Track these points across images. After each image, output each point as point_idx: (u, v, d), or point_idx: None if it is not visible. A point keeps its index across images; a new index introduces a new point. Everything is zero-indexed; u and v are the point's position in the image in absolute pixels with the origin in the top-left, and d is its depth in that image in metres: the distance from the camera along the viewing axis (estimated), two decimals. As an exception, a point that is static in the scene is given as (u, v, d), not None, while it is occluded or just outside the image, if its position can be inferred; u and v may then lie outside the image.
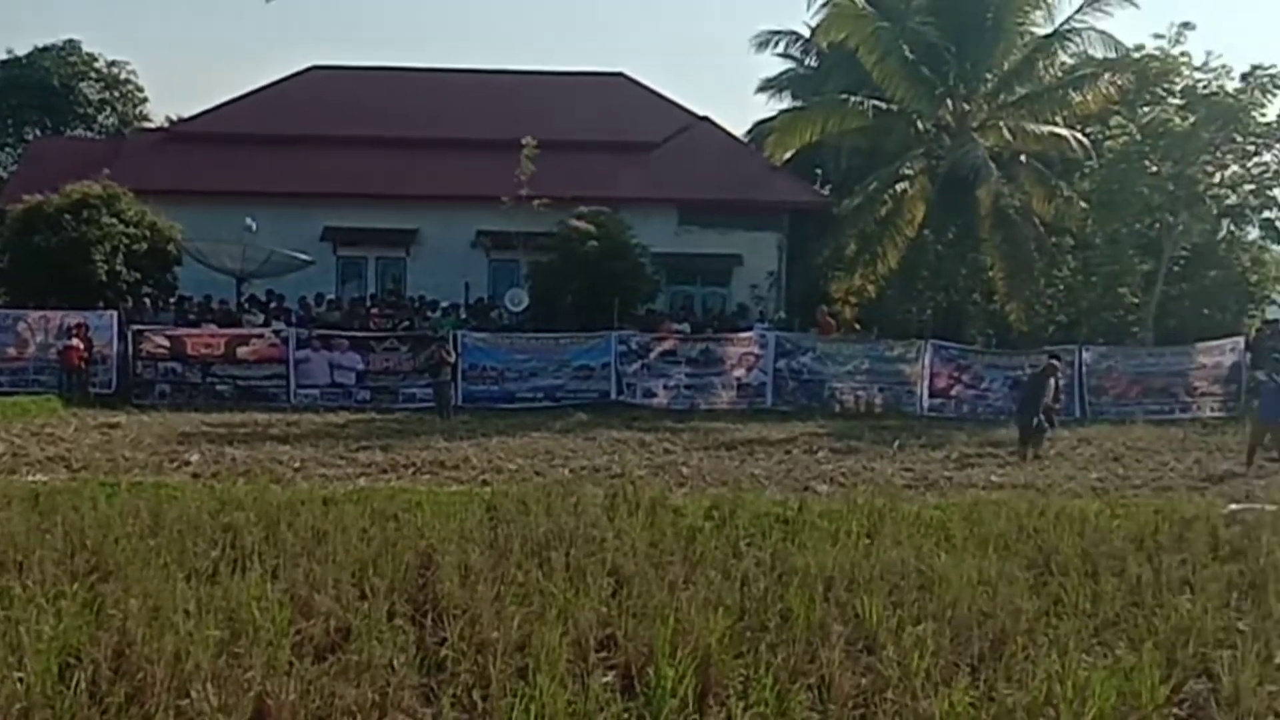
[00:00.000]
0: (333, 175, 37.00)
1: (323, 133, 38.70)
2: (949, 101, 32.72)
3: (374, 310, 32.65)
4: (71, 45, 55.78)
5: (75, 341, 27.09)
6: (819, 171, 40.17)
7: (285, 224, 34.90)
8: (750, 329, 31.11)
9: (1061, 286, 33.70)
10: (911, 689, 7.82)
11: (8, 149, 54.10)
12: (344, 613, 8.93)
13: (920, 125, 32.86)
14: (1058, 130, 31.42)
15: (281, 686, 7.25)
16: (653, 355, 29.05)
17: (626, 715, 7.41)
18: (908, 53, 31.67)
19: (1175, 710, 8.09)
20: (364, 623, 8.59)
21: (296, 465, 18.39)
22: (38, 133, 52.18)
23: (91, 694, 7.27)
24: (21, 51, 54.88)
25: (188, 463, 18.43)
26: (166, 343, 27.97)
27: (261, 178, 36.71)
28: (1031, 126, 31.68)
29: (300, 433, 22.73)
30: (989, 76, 32.75)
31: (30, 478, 16.16)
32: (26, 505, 12.63)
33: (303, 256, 33.30)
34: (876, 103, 31.92)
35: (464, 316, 32.19)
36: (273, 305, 32.32)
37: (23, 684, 7.22)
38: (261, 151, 37.92)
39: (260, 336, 28.70)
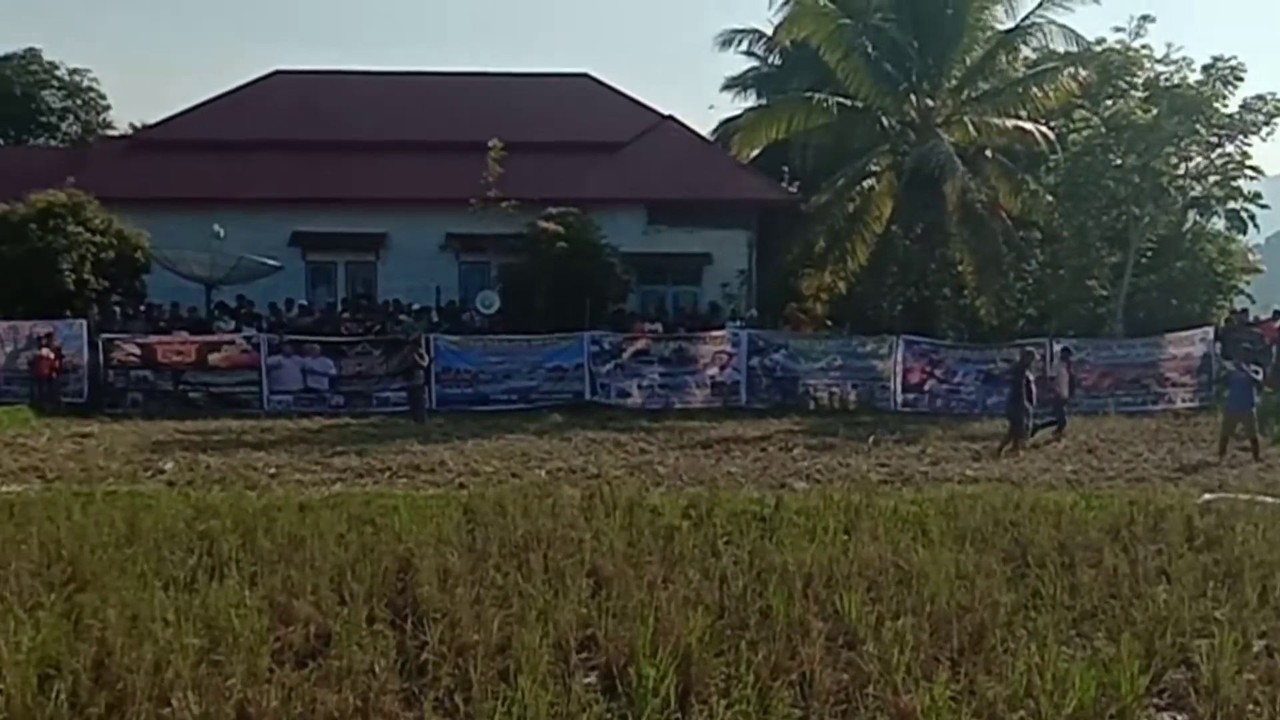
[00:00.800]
0: (300, 180, 36.85)
1: (289, 137, 38.53)
2: (913, 97, 32.76)
3: (345, 315, 32.54)
4: (32, 54, 55.40)
5: (45, 351, 26.94)
6: (786, 169, 40.22)
7: (253, 230, 34.71)
8: (723, 327, 31.10)
9: (1031, 280, 33.88)
10: (892, 684, 7.86)
11: (-32, 158, 53.72)
12: (323, 618, 8.91)
13: (885, 122, 32.90)
14: (1022, 124, 31.52)
15: (263, 694, 7.25)
16: (626, 355, 29.05)
17: (609, 716, 7.42)
18: (870, 49, 31.73)
19: (1155, 700, 8.16)
20: (344, 628, 8.58)
21: (272, 471, 18.35)
22: (0, 142, 51.84)
23: (72, 704, 7.25)
24: (-19, 60, 54.56)
25: (162, 471, 18.37)
26: (137, 351, 27.85)
27: (228, 184, 36.50)
28: (996, 121, 31.79)
29: (275, 439, 22.68)
30: (952, 72, 32.76)
31: (4, 489, 16.06)
32: (1, 516, 12.56)
33: (272, 262, 33.16)
34: (841, 100, 31.94)
35: (435, 319, 32.12)
36: (243, 311, 32.17)
37: (2, 695, 7.19)
38: (228, 157, 37.70)
39: (231, 343, 28.60)
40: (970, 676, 8.15)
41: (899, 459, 20.33)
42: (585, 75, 43.77)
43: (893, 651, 8.29)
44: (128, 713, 7.10)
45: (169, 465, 18.89)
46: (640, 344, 29.38)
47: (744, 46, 45.33)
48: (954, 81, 32.90)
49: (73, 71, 56.36)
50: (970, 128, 31.81)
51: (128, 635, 8.18)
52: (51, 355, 27.02)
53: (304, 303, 34.09)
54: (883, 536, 11.97)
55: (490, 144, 31.46)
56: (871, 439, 22.68)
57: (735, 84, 46.34)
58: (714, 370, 29.31)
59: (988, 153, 33.44)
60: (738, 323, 32.19)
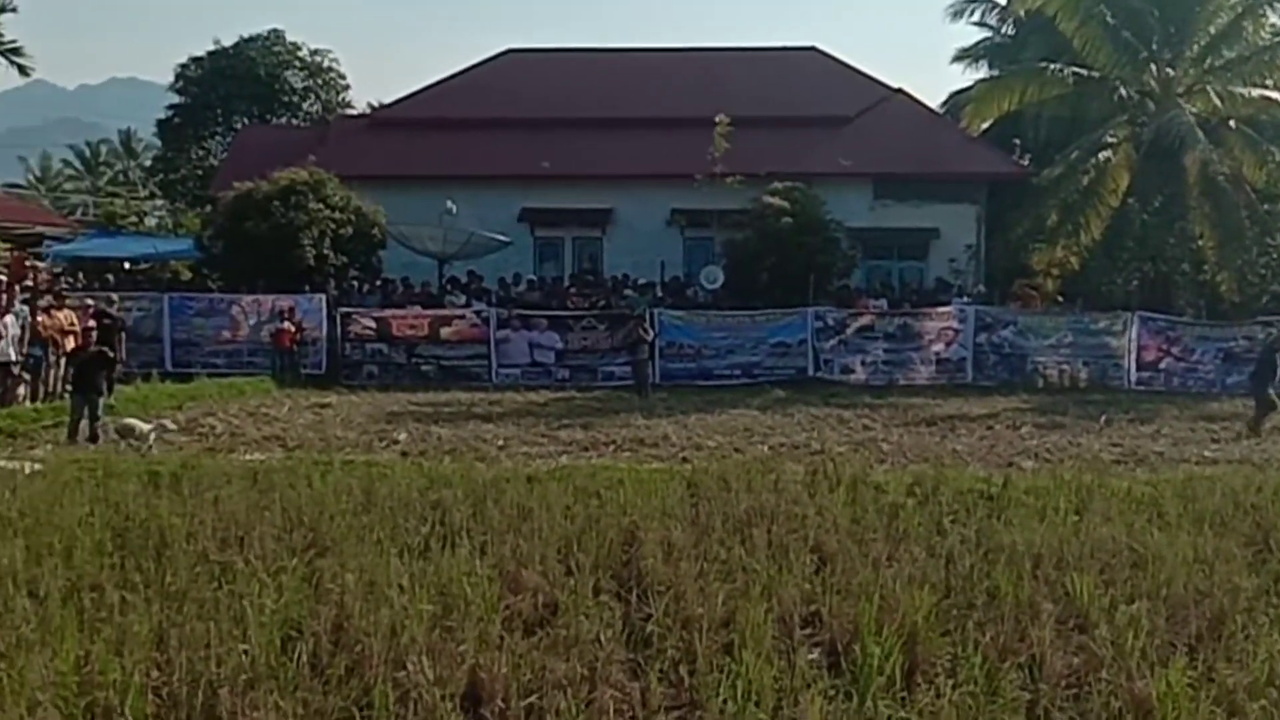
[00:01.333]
0: (529, 157, 37.47)
1: (519, 115, 39.25)
2: (1153, 67, 31.75)
3: (572, 290, 32.97)
4: (276, 35, 57.48)
5: (286, 324, 27.91)
6: (1017, 142, 39.36)
7: (484, 206, 35.50)
8: (949, 303, 30.63)
9: (1275, 255, 32.45)
10: (1126, 669, 7.63)
11: (218, 138, 56.06)
12: (551, 588, 9.04)
13: (1123, 92, 31.92)
14: (1269, 94, 30.29)
15: (493, 660, 7.37)
16: (849, 331, 28.86)
17: (833, 692, 7.37)
18: (1109, 17, 30.82)
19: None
20: (571, 598, 8.68)
21: (500, 443, 18.70)
22: (246, 121, 53.86)
23: (313, 666, 7.48)
24: (228, 42, 56.78)
25: (396, 441, 18.89)
26: (373, 324, 28.72)
27: (461, 161, 37.35)
28: (1240, 90, 30.64)
29: (503, 411, 23.13)
30: (1194, 40, 31.66)
31: (248, 456, 16.71)
32: (246, 483, 13.05)
33: (501, 238, 33.82)
34: (1077, 70, 31.16)
35: (660, 294, 32.33)
36: (473, 286, 32.86)
37: (247, 656, 7.46)
38: (460, 135, 38.57)
39: (462, 317, 29.26)
40: (1208, 663, 7.87)
41: (1132, 439, 19.76)
42: (813, 49, 43.55)
43: (1126, 636, 8.06)
44: (365, 675, 7.30)
45: (402, 436, 19.42)
46: (865, 320, 29.17)
47: (976, 16, 44.64)
48: (1196, 50, 31.79)
49: (314, 52, 58.34)
50: (1213, 97, 30.68)
51: (365, 600, 8.41)
52: (292, 328, 27.96)
53: (532, 278, 34.65)
54: (1116, 518, 11.63)
55: (717, 119, 31.51)
56: (1104, 418, 22.11)
57: (966, 55, 45.64)
58: (939, 347, 28.93)
59: (1231, 123, 32.11)
60: (965, 299, 31.65)
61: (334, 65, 58.89)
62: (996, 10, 43.81)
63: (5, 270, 28.58)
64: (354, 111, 53.19)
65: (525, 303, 31.14)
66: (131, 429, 18.95)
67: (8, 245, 35.72)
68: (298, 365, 28.09)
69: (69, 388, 20.36)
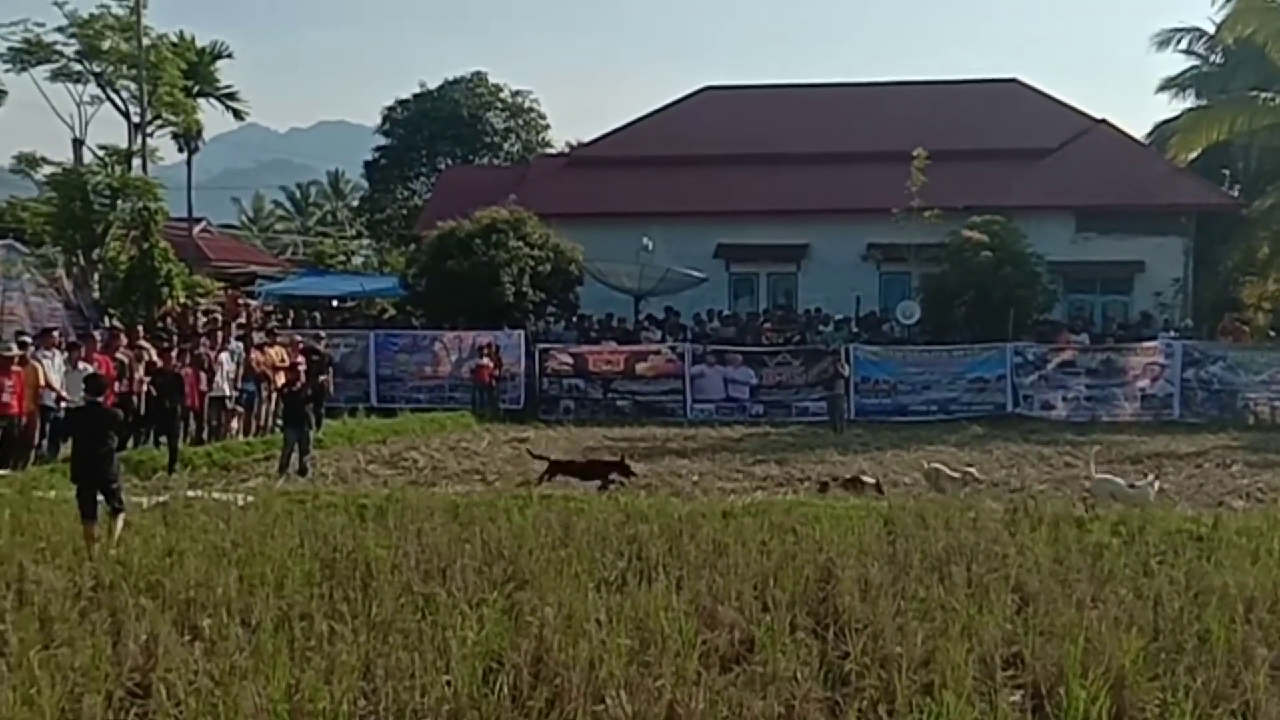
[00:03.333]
0: (725, 193, 37.65)
1: (715, 151, 39.43)
2: (1365, 92, 30.56)
3: (766, 325, 32.95)
4: (479, 77, 58.90)
5: (486, 360, 28.42)
6: (1226, 172, 38.27)
7: (679, 242, 35.76)
8: (1155, 338, 29.80)
9: None
10: (1344, 718, 7.36)
11: (422, 178, 57.56)
12: (747, 624, 9.04)
13: (1337, 120, 30.79)
14: None
15: (691, 695, 7.39)
16: (1050, 366, 28.35)
17: (1036, 736, 7.25)
18: (1320, 44, 29.78)
19: None
20: (767, 634, 8.67)
21: (695, 478, 18.78)
22: (449, 162, 55.22)
23: (513, 698, 7.59)
24: (433, 85, 58.31)
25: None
26: (570, 360, 29.16)
27: (657, 198, 37.69)
28: None
29: (697, 446, 23.22)
30: None
31: (449, 490, 17.05)
32: (447, 516, 13.33)
33: (697, 274, 34.02)
34: (1290, 99, 30.16)
35: (855, 330, 32.12)
36: (669, 322, 33.08)
37: (450, 687, 7.61)
38: (657, 172, 38.93)
39: (657, 353, 29.50)
40: None
41: (1353, 479, 18.95)
42: (1013, 80, 42.96)
43: (1344, 683, 7.78)
44: (564, 708, 7.39)
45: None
46: (1066, 355, 28.59)
47: (1183, 45, 43.49)
48: None
49: (515, 93, 59.67)
50: None
51: (563, 633, 8.50)
52: (491, 364, 28.46)
53: (727, 313, 34.74)
54: (1334, 561, 11.21)
55: (914, 153, 31.30)
56: (1319, 457, 21.27)
57: (1173, 84, 44.44)
58: (1144, 382, 28.21)
59: None
60: (1171, 333, 30.78)
61: (534, 105, 60.16)
62: (1204, 39, 42.65)
63: (221, 308, 29.73)
64: (553, 151, 54.15)
65: (720, 338, 31.25)
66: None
67: (223, 284, 37.15)
68: (497, 400, 28.59)
69: (280, 422, 21.06)
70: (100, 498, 12.00)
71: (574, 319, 33.00)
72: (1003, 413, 27.87)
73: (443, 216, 32.98)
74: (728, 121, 40.64)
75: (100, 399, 13.15)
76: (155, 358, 20.98)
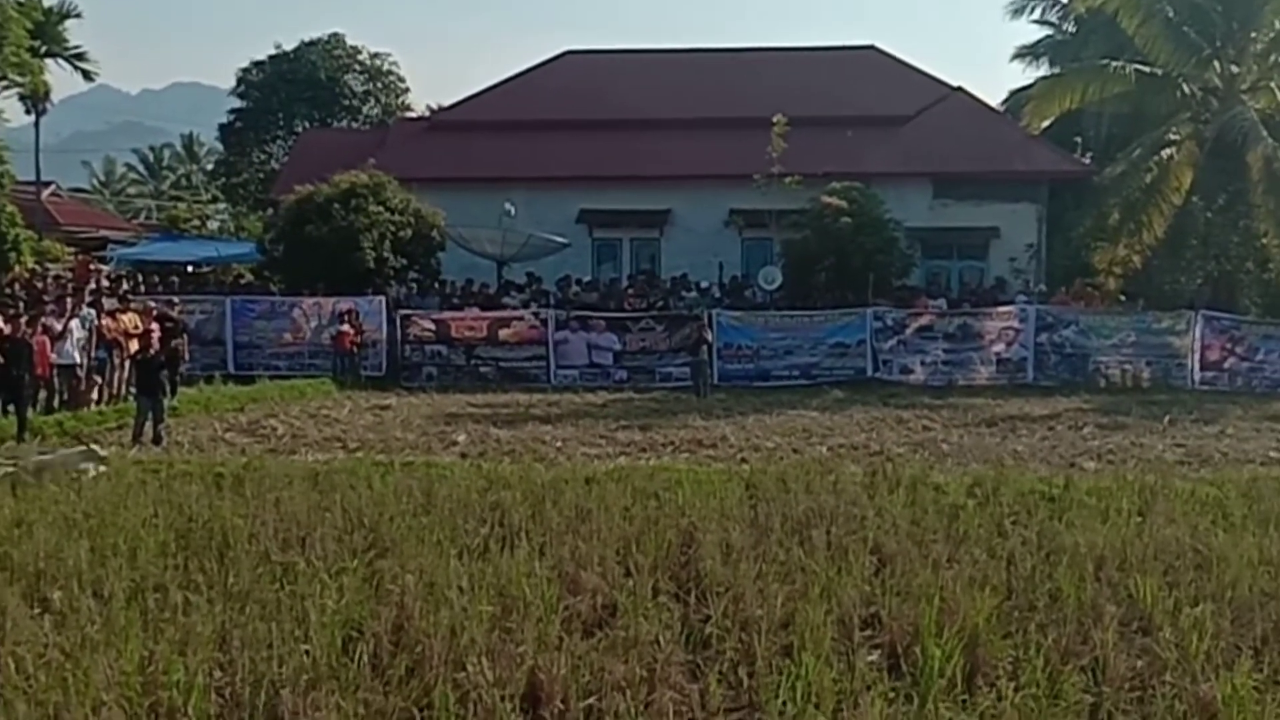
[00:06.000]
0: (587, 158, 37.53)
1: (577, 116, 39.26)
2: (1215, 64, 31.27)
3: (630, 290, 32.97)
4: (336, 39, 57.92)
5: (346, 327, 28.06)
6: (1079, 140, 39.02)
7: (542, 207, 35.65)
8: (1011, 303, 30.37)
9: (1342, 253, 31.97)
10: (1190, 672, 7.57)
11: (279, 142, 56.55)
12: (610, 589, 9.07)
13: (1185, 89, 31.45)
14: (1334, 91, 29.82)
15: (553, 661, 7.39)
16: (909, 331, 28.71)
17: (893, 694, 7.34)
18: (1171, 14, 30.37)
19: None
20: (629, 599, 8.71)
21: (558, 444, 18.72)
22: (306, 125, 54.31)
23: (374, 666, 7.54)
24: (289, 46, 57.26)
25: (455, 443, 18.93)
26: (432, 326, 28.87)
27: (519, 163, 37.45)
28: (1304, 87, 30.15)
29: (561, 413, 23.17)
30: (1258, 37, 31.20)
31: (309, 458, 16.84)
32: (307, 484, 13.19)
33: (559, 239, 33.93)
34: (1139, 67, 30.73)
35: (718, 295, 32.26)
36: (531, 288, 32.94)
37: (309, 656, 7.53)
38: (519, 137, 38.68)
39: (520, 319, 29.33)
40: (1274, 666, 7.79)
41: (1196, 439, 19.50)
42: (871, 48, 43.38)
43: (1191, 638, 8.00)
44: (425, 676, 7.34)
45: (461, 437, 19.47)
46: (924, 320, 28.99)
47: (1036, 14, 44.36)
48: (1260, 46, 31.29)
49: (374, 56, 58.76)
50: (1277, 94, 30.23)
51: (425, 601, 8.47)
52: (352, 331, 28.12)
53: (590, 279, 34.70)
54: (1180, 519, 11.53)
55: (774, 119, 31.46)
56: (1167, 418, 21.85)
57: (1027, 53, 45.38)
58: (1000, 347, 28.72)
59: (1296, 120, 31.66)
60: (1027, 298, 31.38)
61: (394, 69, 59.33)
62: (1057, 8, 43.50)
63: (70, 274, 28.97)
64: (413, 114, 53.47)
65: (583, 304, 31.18)
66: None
67: (73, 249, 36.26)
68: (358, 367, 28.25)
69: (133, 390, 20.61)
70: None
71: (436, 285, 32.68)
72: (863, 377, 28.16)
73: (300, 180, 32.35)
74: (590, 86, 40.44)
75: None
76: (2, 325, 20.34)
